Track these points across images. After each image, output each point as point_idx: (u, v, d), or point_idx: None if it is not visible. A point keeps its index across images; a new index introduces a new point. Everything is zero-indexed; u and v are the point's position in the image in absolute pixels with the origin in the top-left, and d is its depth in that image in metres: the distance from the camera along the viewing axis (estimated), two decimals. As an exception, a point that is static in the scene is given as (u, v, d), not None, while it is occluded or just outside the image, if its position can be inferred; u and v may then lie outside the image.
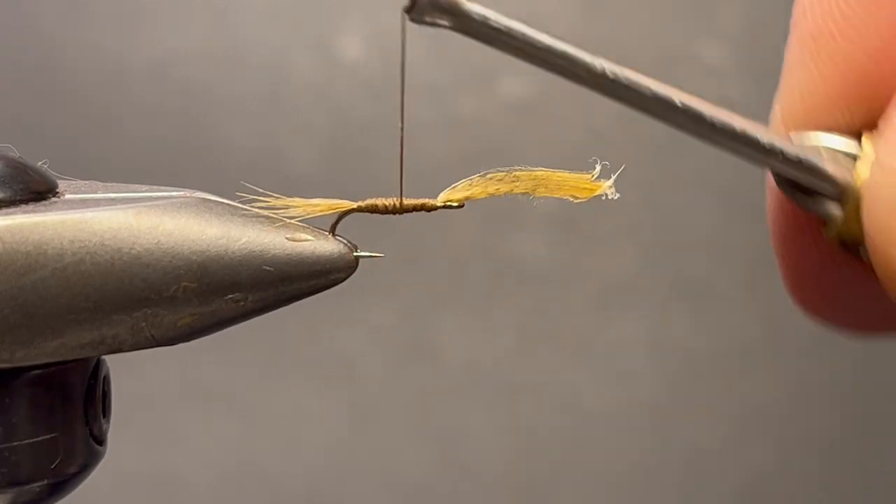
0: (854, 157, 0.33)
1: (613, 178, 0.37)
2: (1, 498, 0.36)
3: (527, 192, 0.38)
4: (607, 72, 0.33)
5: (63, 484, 0.38)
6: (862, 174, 0.32)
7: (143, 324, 0.35)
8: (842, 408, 1.08)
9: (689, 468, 1.05)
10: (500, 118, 1.13)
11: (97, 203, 0.36)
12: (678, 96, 0.33)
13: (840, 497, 1.07)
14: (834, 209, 0.33)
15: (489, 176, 0.38)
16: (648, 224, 1.11)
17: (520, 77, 1.14)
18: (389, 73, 1.14)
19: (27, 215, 0.34)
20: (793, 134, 0.35)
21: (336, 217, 0.37)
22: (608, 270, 1.11)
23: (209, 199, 0.36)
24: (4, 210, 0.35)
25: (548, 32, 0.32)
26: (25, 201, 0.35)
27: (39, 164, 0.38)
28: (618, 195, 0.37)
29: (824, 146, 0.34)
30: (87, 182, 0.38)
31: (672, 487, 1.05)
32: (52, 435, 0.37)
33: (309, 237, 0.36)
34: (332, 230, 0.37)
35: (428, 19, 0.30)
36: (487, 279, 1.11)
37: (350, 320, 1.06)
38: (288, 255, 0.36)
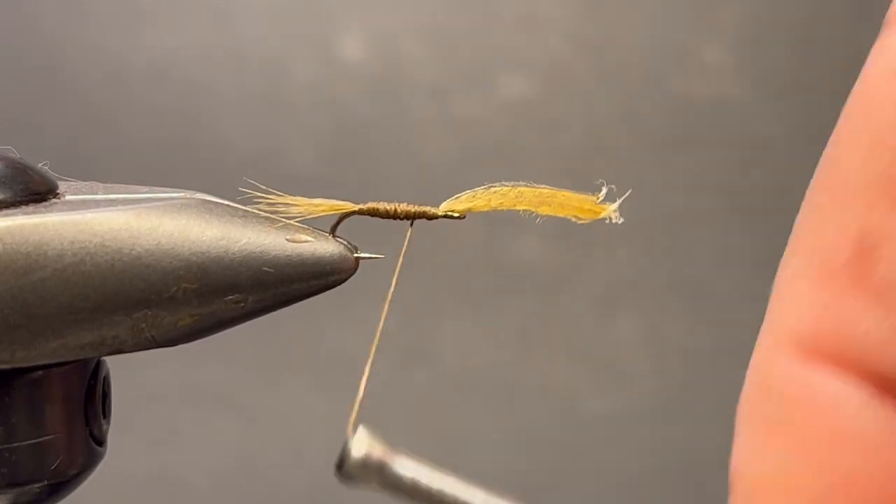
0: None
1: (619, 202, 0.37)
2: (1, 498, 0.36)
3: (529, 209, 0.37)
4: None
5: (63, 484, 0.38)
6: None
7: (144, 324, 0.35)
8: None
9: (689, 469, 1.05)
10: (500, 118, 1.13)
11: (97, 204, 0.36)
12: None
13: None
14: None
15: (493, 189, 0.37)
16: (648, 224, 1.11)
17: (520, 77, 1.14)
18: (389, 74, 1.14)
19: (27, 216, 0.34)
20: None
21: (337, 218, 0.37)
22: (608, 272, 1.11)
23: (209, 201, 0.36)
24: (5, 211, 0.35)
25: (480, 492, 0.32)
26: (26, 202, 0.35)
27: (40, 165, 0.37)
28: (622, 220, 0.37)
29: None
30: (87, 183, 0.38)
31: (672, 488, 1.05)
32: (53, 435, 0.37)
33: (309, 238, 0.36)
34: (333, 231, 0.37)
35: (357, 479, 0.31)
36: (487, 281, 1.11)
37: (350, 321, 1.06)
38: (288, 256, 0.36)
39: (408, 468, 0.32)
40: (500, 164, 1.11)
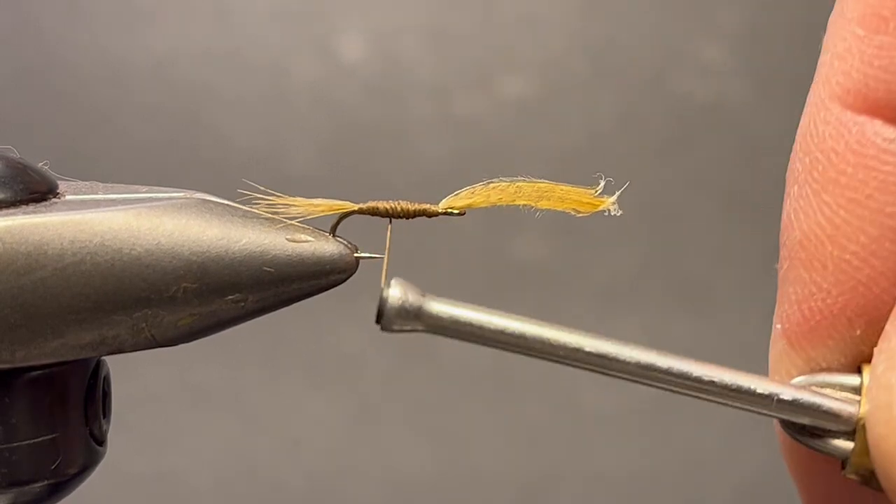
0: (859, 389, 0.32)
1: (617, 194, 0.37)
2: (2, 498, 0.36)
3: (528, 204, 0.37)
4: (586, 349, 0.33)
5: (63, 484, 0.38)
6: (864, 407, 0.31)
7: (144, 324, 0.35)
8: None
9: (689, 469, 1.05)
10: (500, 118, 1.13)
11: (97, 204, 0.36)
12: (663, 360, 0.34)
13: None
14: (845, 447, 0.32)
15: (492, 185, 0.37)
16: (648, 224, 1.11)
17: (520, 77, 1.14)
18: (389, 74, 1.14)
19: (28, 216, 0.34)
20: (795, 379, 0.33)
21: (336, 218, 0.37)
22: (608, 271, 1.11)
23: (209, 200, 0.36)
24: (5, 211, 0.35)
25: (520, 318, 0.33)
26: (26, 202, 0.35)
27: (40, 164, 0.37)
28: (620, 212, 0.37)
29: (825, 382, 0.32)
30: (87, 183, 0.38)
31: (672, 488, 1.05)
32: (53, 435, 0.37)
33: (309, 238, 0.36)
34: (333, 231, 0.37)
35: (397, 328, 0.32)
36: (488, 280, 1.11)
37: (350, 320, 1.06)
38: (288, 255, 0.36)
39: (445, 307, 0.33)
40: (500, 164, 1.11)
